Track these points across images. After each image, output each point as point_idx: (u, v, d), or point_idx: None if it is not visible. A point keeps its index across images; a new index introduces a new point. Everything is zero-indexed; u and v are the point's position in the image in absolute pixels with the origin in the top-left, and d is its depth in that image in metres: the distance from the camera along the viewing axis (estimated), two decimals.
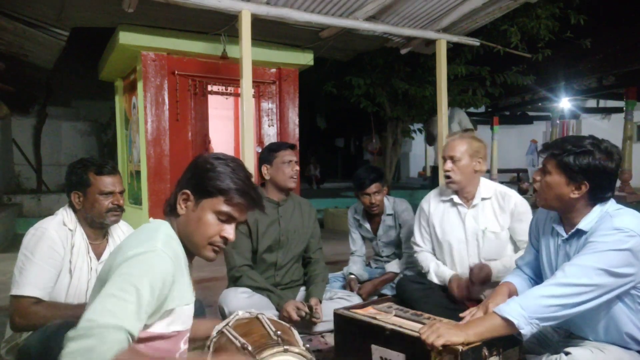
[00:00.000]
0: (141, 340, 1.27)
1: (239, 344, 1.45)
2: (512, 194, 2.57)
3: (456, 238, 2.61)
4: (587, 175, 1.65)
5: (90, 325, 1.08)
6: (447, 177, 2.54)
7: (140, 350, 1.29)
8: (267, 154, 2.77)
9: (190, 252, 1.42)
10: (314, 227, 2.91)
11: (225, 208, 1.36)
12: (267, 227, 2.72)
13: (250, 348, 1.42)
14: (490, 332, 1.63)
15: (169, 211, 1.43)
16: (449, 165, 2.52)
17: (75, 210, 2.01)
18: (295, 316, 2.47)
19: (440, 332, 1.60)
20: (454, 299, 2.53)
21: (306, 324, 2.57)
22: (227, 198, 1.35)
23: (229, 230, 1.38)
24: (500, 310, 1.63)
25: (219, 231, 1.37)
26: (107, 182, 1.99)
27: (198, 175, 1.38)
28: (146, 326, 1.26)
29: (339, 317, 2.12)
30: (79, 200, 1.98)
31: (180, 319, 1.36)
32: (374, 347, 1.89)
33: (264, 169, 2.75)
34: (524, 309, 1.59)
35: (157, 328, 1.30)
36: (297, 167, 2.77)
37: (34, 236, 1.89)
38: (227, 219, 1.37)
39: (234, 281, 2.69)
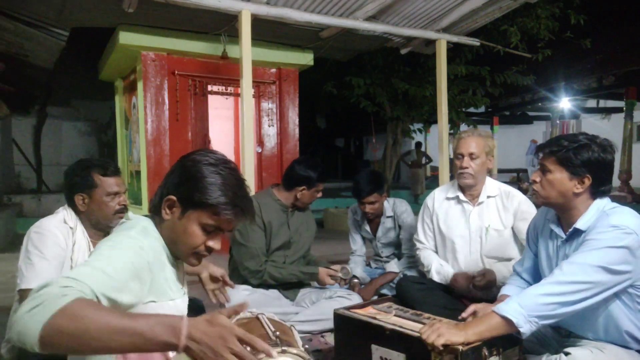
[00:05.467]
0: None
1: None
2: (517, 194, 2.59)
3: (459, 235, 2.61)
4: (588, 168, 1.67)
5: (60, 281, 1.01)
6: (464, 174, 2.54)
7: None
8: (312, 178, 2.75)
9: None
10: (314, 229, 3.05)
11: (212, 222, 1.29)
12: (279, 228, 2.80)
13: (248, 348, 1.41)
14: (490, 331, 1.63)
15: (152, 211, 1.37)
16: (467, 162, 2.52)
17: (76, 210, 2.00)
18: (332, 283, 2.77)
19: (440, 331, 1.60)
20: (455, 297, 2.53)
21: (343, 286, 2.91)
22: (214, 212, 1.28)
23: (215, 241, 1.34)
24: (499, 309, 1.63)
25: (204, 242, 1.32)
26: (113, 183, 1.99)
27: (186, 184, 1.30)
28: None
29: (338, 317, 2.12)
30: (83, 202, 1.97)
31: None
32: (374, 346, 1.89)
33: (301, 189, 2.76)
34: (523, 307, 1.60)
35: None
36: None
37: (36, 234, 1.89)
38: (213, 230, 1.32)
39: (254, 275, 2.70)
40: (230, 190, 1.29)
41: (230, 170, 1.33)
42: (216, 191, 1.27)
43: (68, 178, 1.99)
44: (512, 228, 2.57)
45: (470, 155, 2.52)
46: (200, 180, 1.28)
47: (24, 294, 1.83)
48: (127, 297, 1.15)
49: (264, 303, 2.53)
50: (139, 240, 1.25)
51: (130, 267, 1.17)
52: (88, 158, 2.12)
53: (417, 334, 1.69)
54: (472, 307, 1.93)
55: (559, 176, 1.72)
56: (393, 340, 1.82)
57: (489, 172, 2.66)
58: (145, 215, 1.43)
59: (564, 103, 12.57)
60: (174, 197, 1.30)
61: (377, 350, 1.88)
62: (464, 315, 1.91)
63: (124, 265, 1.16)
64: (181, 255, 1.36)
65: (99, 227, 2.01)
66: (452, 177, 2.77)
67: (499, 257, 2.55)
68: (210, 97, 5.86)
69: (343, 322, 2.10)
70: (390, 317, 1.99)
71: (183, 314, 1.39)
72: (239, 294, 2.60)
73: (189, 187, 1.29)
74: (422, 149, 11.75)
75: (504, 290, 2.02)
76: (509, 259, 2.52)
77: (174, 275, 1.38)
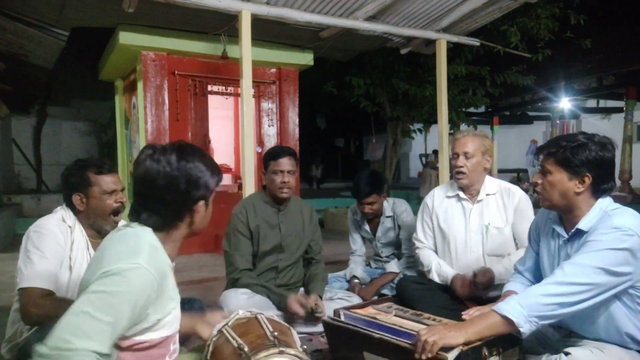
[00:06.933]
0: (128, 348, 1.26)
1: (235, 344, 1.45)
2: (517, 190, 2.60)
3: (460, 233, 2.62)
4: (588, 167, 1.67)
5: (63, 347, 1.07)
6: (459, 172, 2.57)
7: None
8: (265, 160, 2.76)
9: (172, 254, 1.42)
10: (314, 231, 2.94)
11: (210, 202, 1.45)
12: (268, 232, 2.74)
13: (246, 349, 1.41)
14: (490, 331, 1.63)
15: (160, 229, 1.35)
16: (462, 160, 2.54)
17: (74, 210, 2.00)
18: (301, 312, 2.51)
19: (440, 334, 1.60)
20: (455, 297, 2.54)
21: (311, 320, 2.59)
22: (216, 185, 1.44)
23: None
24: (499, 309, 1.63)
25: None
26: (109, 180, 2.00)
27: (183, 188, 1.34)
28: (130, 335, 1.25)
29: (327, 325, 2.09)
30: (81, 201, 1.97)
31: (167, 325, 1.33)
32: (366, 354, 1.88)
33: (262, 174, 2.76)
34: (523, 307, 1.60)
35: (144, 336, 1.28)
36: (288, 179, 2.66)
37: (36, 233, 1.89)
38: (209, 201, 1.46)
39: (233, 283, 2.70)
40: (207, 164, 1.39)
41: (192, 152, 1.40)
42: (207, 175, 1.39)
43: (65, 178, 2.01)
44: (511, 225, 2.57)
45: (465, 154, 2.54)
46: (194, 175, 1.36)
47: (23, 292, 1.83)
48: (132, 326, 1.23)
49: (263, 306, 2.47)
50: (148, 273, 1.22)
51: (140, 311, 1.22)
52: (84, 158, 2.13)
53: (405, 343, 1.68)
54: (475, 312, 1.91)
55: (559, 177, 1.72)
56: (382, 348, 1.80)
57: (489, 172, 2.67)
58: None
59: (564, 103, 12.55)
60: (192, 207, 1.38)
61: (369, 358, 1.87)
62: (465, 316, 1.90)
63: (131, 312, 1.19)
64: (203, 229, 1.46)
65: (96, 226, 2.02)
66: (451, 177, 2.78)
67: (499, 254, 2.55)
68: (210, 97, 5.85)
69: (332, 331, 2.07)
70: (390, 317, 1.99)
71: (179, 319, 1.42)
72: (238, 298, 2.57)
73: (189, 189, 1.35)
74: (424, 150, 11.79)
75: (508, 287, 2.02)
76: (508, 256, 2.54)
77: (173, 280, 1.39)
